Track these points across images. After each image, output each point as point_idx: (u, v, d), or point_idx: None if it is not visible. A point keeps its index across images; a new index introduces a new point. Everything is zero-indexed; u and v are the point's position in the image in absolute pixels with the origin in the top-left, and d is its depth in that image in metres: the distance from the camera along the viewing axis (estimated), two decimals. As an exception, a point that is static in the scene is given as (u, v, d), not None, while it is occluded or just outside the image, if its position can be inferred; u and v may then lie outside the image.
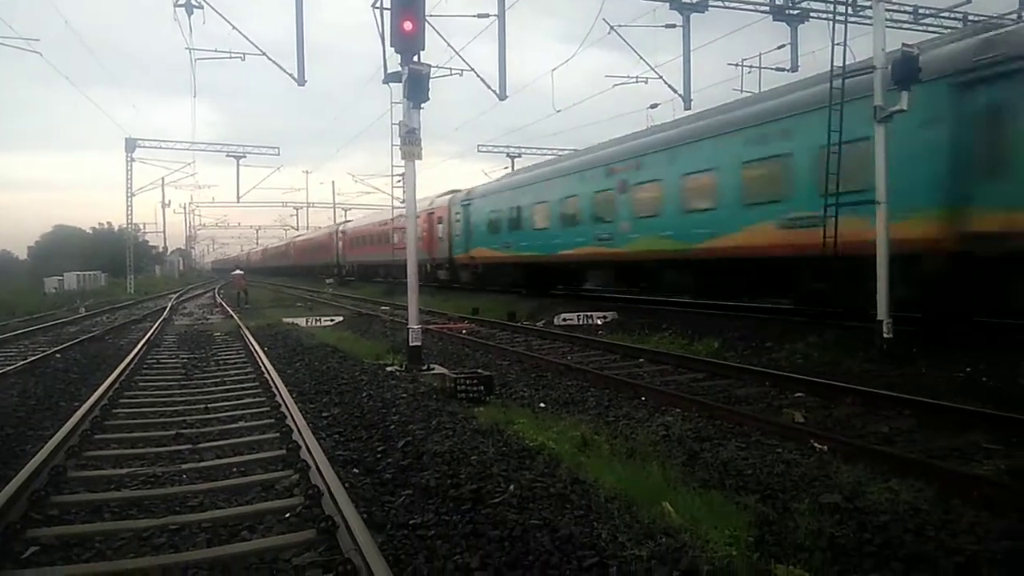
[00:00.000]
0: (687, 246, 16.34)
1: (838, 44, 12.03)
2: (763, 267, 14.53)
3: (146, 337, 15.85)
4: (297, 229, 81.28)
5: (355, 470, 5.95)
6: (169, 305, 28.71)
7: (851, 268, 11.56)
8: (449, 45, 21.80)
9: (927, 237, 10.92)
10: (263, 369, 10.62)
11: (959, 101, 10.58)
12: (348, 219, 49.43)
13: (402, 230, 33.28)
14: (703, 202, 16.00)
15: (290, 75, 19.50)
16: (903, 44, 10.81)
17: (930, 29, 21.67)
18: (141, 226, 71.73)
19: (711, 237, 15.62)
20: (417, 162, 11.56)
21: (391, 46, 11.17)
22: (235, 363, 12.35)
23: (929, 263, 11.10)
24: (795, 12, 22.42)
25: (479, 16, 20.89)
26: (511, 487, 5.17)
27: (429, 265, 33.41)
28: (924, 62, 10.58)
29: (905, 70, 10.52)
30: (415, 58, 11.02)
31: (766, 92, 16.94)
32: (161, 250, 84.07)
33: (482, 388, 8.91)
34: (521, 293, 25.49)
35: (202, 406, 8.51)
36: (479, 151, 43.87)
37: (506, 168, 41.34)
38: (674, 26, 22.53)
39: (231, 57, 21.92)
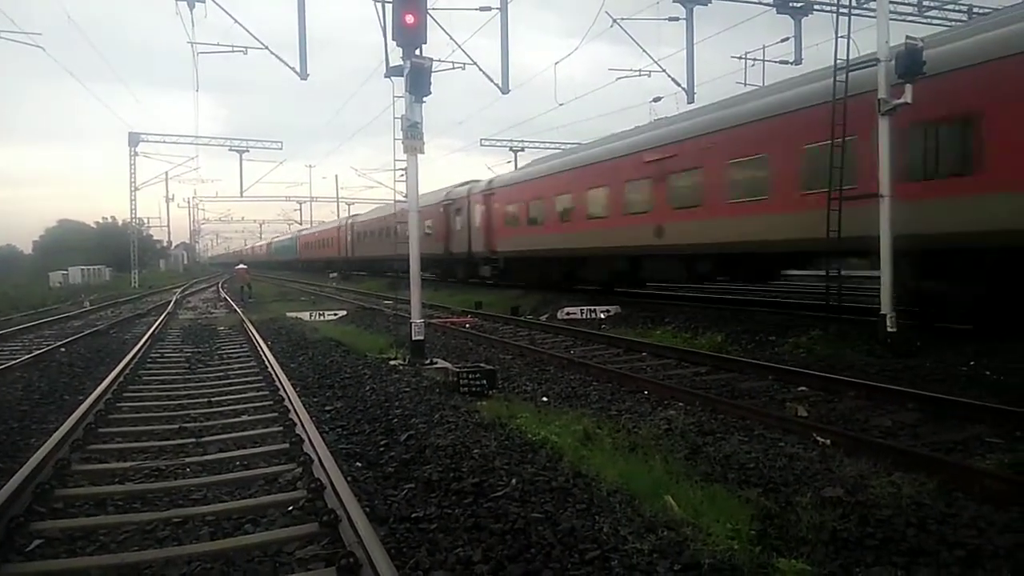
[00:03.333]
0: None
1: (842, 37, 12.01)
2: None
3: (150, 331, 15.88)
4: (300, 223, 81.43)
5: (358, 464, 5.97)
6: (173, 299, 28.76)
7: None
8: (451, 39, 21.67)
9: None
10: (266, 363, 10.64)
11: None
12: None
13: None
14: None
15: (292, 69, 19.49)
16: (907, 37, 10.76)
17: (934, 22, 21.58)
18: (145, 221, 71.82)
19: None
20: (420, 156, 11.55)
21: (393, 40, 11.15)
22: (239, 357, 12.38)
23: None
24: (799, 5, 22.33)
25: (481, 9, 20.83)
26: (513, 481, 5.17)
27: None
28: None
29: (909, 63, 10.48)
30: (417, 52, 10.99)
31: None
32: (165, 244, 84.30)
33: (485, 382, 8.92)
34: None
35: (206, 400, 8.53)
36: (482, 145, 43.95)
37: (509, 162, 41.25)
38: (677, 19, 22.46)
39: (233, 51, 21.92)
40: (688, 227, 16.47)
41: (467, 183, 32.02)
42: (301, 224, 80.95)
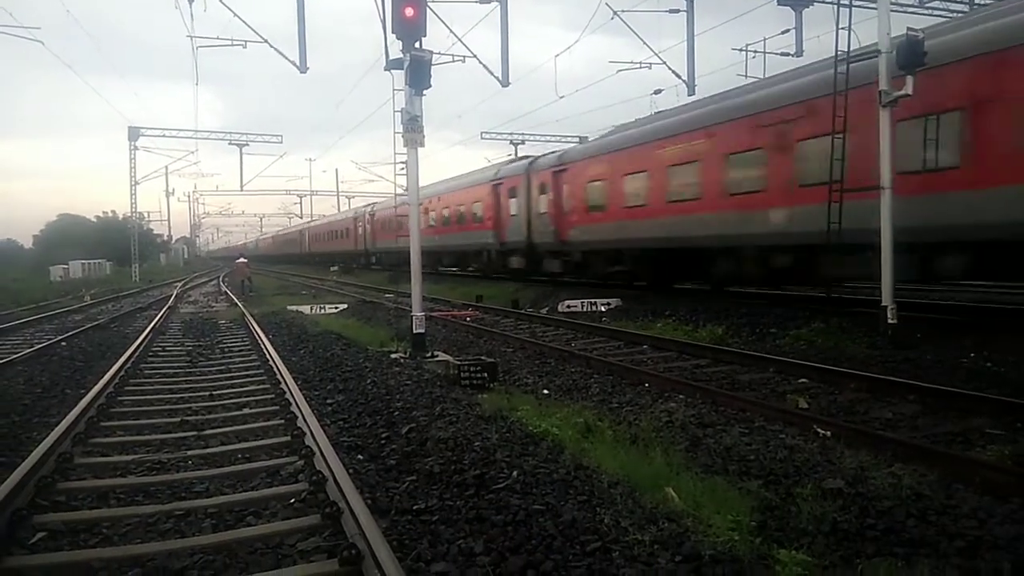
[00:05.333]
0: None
1: (843, 29, 11.97)
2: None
3: (151, 325, 15.90)
4: (301, 217, 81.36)
5: (359, 456, 5.98)
6: (174, 293, 28.77)
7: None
8: (451, 31, 21.63)
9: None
10: (268, 356, 10.65)
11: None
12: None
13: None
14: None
15: (292, 62, 19.47)
16: (908, 28, 10.73)
17: (935, 13, 21.50)
18: (145, 214, 71.80)
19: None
20: (420, 150, 11.53)
21: (392, 32, 11.12)
22: (240, 350, 12.39)
23: None
24: (799, -4, 22.25)
25: (481, 2, 20.77)
26: (514, 473, 5.18)
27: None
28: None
29: (910, 55, 10.45)
30: (417, 44, 10.97)
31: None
32: (166, 239, 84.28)
33: (486, 375, 8.93)
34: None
35: (207, 393, 8.55)
36: (482, 138, 43.82)
37: (509, 155, 41.06)
38: (678, 11, 22.42)
39: (233, 44, 21.90)
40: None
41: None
42: (302, 217, 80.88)
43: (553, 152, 26.07)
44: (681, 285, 19.56)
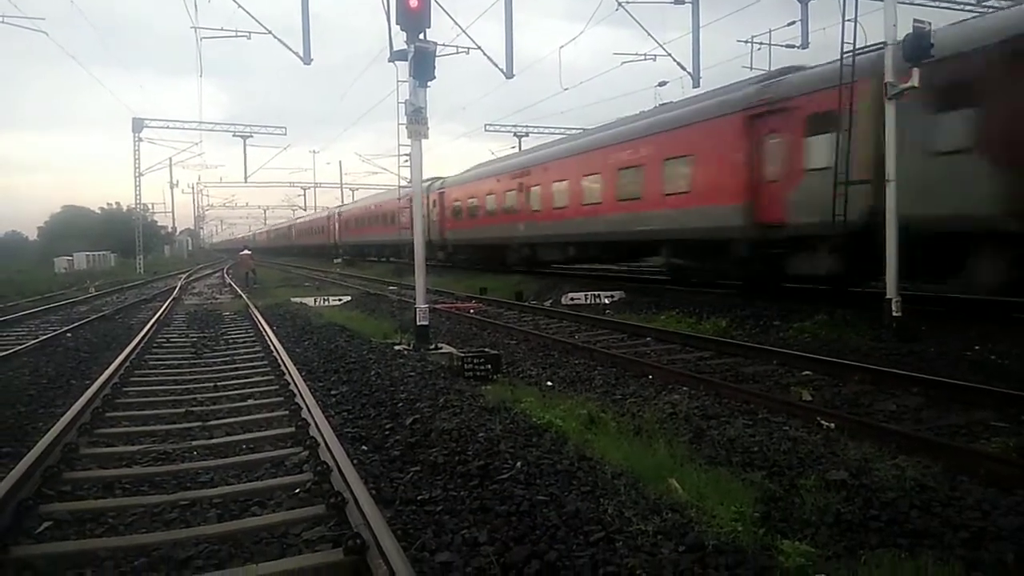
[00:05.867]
0: None
1: (849, 20, 11.90)
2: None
3: (156, 316, 15.93)
4: (305, 209, 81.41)
5: (363, 447, 6.00)
6: (178, 285, 28.82)
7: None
8: (455, 23, 21.66)
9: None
10: (272, 348, 10.67)
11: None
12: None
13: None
14: None
15: (296, 54, 19.48)
16: (915, 20, 10.67)
17: (942, 6, 21.37)
18: (150, 206, 71.93)
19: None
20: (424, 141, 11.51)
21: (397, 24, 11.08)
22: (244, 342, 12.42)
23: None
24: (805, -12, 22.16)
25: (486, -7, 20.68)
26: (518, 464, 5.19)
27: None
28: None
29: (917, 47, 10.39)
30: (421, 36, 10.93)
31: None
32: (170, 230, 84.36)
33: (489, 366, 8.94)
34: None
35: (212, 384, 8.57)
36: (486, 130, 43.78)
37: (512, 147, 40.99)
38: (683, 3, 22.33)
39: (237, 36, 21.89)
40: None
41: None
42: (305, 210, 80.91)
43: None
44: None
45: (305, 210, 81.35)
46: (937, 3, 21.53)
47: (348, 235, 51.65)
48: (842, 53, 11.83)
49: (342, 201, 66.76)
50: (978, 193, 10.18)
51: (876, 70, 11.28)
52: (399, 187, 32.75)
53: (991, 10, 12.25)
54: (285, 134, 45.32)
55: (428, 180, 32.71)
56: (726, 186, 14.96)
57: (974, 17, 11.72)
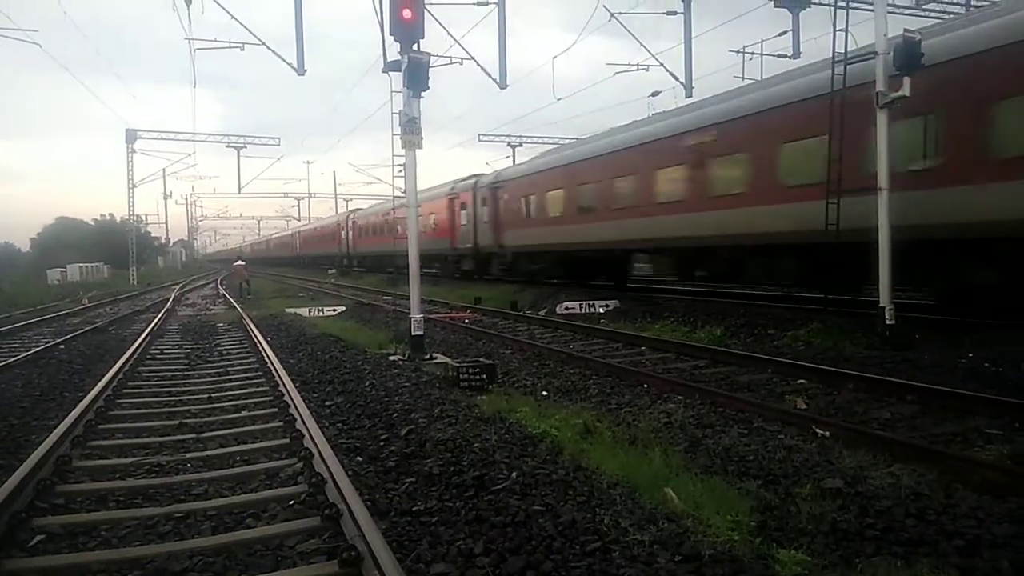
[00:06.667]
0: None
1: (840, 30, 11.99)
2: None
3: (149, 327, 15.88)
4: (299, 220, 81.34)
5: (358, 458, 5.98)
6: (172, 296, 28.74)
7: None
8: (449, 34, 21.63)
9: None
10: (266, 358, 10.64)
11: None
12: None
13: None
14: None
15: (290, 65, 19.48)
16: (905, 30, 10.76)
17: (932, 15, 21.54)
18: (143, 217, 71.71)
19: None
20: (418, 152, 11.54)
21: (391, 34, 11.13)
22: (238, 353, 12.38)
23: None
24: (796, -2, 22.27)
25: (479, 4, 20.79)
26: (514, 474, 5.18)
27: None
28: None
29: (907, 56, 10.47)
30: (415, 46, 10.98)
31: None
32: (163, 241, 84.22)
33: (484, 376, 8.93)
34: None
35: (206, 396, 8.54)
36: (480, 140, 43.87)
37: (507, 157, 41.03)
38: (675, 13, 22.45)
39: (230, 47, 21.87)
40: None
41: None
42: (299, 220, 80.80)
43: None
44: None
45: (299, 220, 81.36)
46: (927, 12, 21.72)
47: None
48: (833, 62, 11.91)
49: (336, 210, 66.65)
50: None
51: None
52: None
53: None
54: (279, 144, 45.40)
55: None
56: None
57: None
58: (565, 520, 4.30)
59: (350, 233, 48.87)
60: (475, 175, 30.41)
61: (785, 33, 23.18)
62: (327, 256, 55.64)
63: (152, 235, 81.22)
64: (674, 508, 4.48)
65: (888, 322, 10.92)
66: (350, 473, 5.16)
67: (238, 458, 6.00)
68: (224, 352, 12.61)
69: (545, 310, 18.95)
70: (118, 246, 54.79)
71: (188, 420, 7.38)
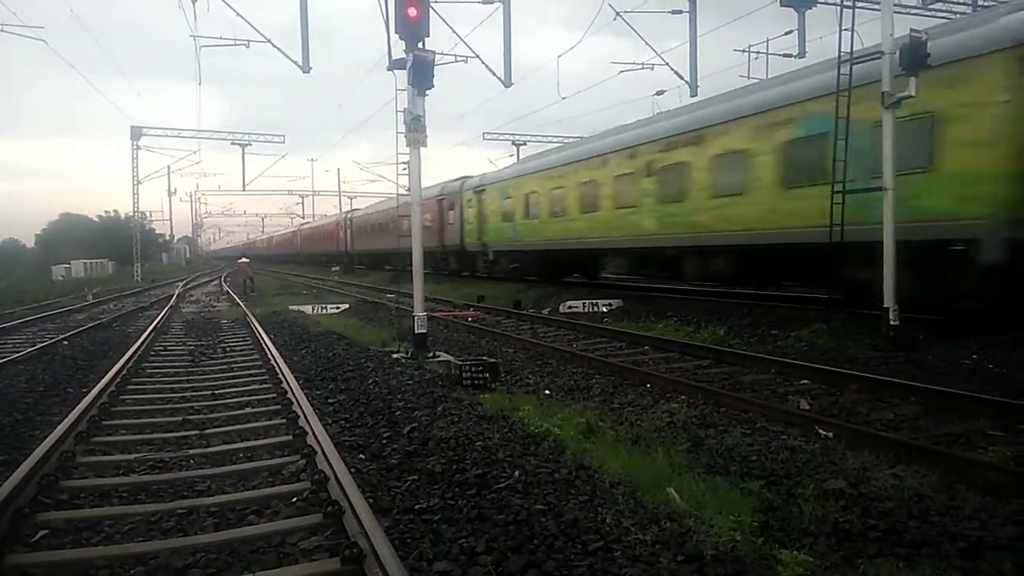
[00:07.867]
0: None
1: (845, 30, 11.95)
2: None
3: (153, 324, 15.91)
4: (303, 217, 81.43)
5: (361, 455, 5.98)
6: (176, 293, 28.79)
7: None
8: (454, 32, 21.69)
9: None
10: (269, 356, 10.66)
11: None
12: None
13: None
14: None
15: (295, 62, 19.49)
16: (911, 29, 10.72)
17: (938, 15, 21.48)
18: (148, 214, 71.84)
19: None
20: (423, 150, 11.53)
21: (395, 32, 11.12)
22: (242, 350, 12.40)
23: None
24: (802, -3, 22.20)
25: (484, 2, 20.77)
26: (516, 472, 5.19)
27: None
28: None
29: (914, 56, 10.44)
30: (420, 45, 10.97)
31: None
32: (168, 238, 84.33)
33: (487, 375, 8.93)
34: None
35: (209, 392, 8.56)
36: (484, 139, 43.87)
37: (511, 156, 41.06)
38: (680, 12, 22.41)
39: (236, 44, 21.92)
40: None
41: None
42: (303, 218, 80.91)
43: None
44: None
45: (303, 218, 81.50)
46: (933, 12, 21.67)
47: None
48: (839, 61, 11.88)
49: (340, 208, 66.77)
50: None
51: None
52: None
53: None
54: (283, 142, 45.39)
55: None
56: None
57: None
58: (567, 519, 4.30)
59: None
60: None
61: (791, 32, 23.14)
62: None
63: (156, 232, 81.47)
64: (676, 508, 4.47)
65: (892, 323, 10.89)
66: (352, 470, 5.16)
67: (241, 455, 6.01)
68: (228, 349, 12.63)
69: (548, 309, 18.94)
70: (122, 243, 54.98)
71: (191, 416, 7.39)
